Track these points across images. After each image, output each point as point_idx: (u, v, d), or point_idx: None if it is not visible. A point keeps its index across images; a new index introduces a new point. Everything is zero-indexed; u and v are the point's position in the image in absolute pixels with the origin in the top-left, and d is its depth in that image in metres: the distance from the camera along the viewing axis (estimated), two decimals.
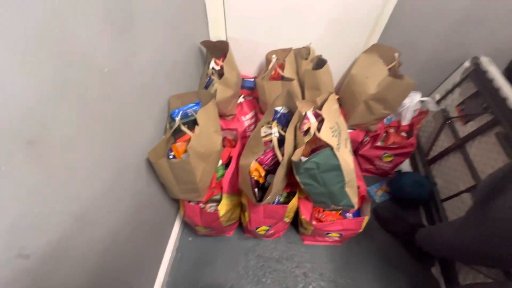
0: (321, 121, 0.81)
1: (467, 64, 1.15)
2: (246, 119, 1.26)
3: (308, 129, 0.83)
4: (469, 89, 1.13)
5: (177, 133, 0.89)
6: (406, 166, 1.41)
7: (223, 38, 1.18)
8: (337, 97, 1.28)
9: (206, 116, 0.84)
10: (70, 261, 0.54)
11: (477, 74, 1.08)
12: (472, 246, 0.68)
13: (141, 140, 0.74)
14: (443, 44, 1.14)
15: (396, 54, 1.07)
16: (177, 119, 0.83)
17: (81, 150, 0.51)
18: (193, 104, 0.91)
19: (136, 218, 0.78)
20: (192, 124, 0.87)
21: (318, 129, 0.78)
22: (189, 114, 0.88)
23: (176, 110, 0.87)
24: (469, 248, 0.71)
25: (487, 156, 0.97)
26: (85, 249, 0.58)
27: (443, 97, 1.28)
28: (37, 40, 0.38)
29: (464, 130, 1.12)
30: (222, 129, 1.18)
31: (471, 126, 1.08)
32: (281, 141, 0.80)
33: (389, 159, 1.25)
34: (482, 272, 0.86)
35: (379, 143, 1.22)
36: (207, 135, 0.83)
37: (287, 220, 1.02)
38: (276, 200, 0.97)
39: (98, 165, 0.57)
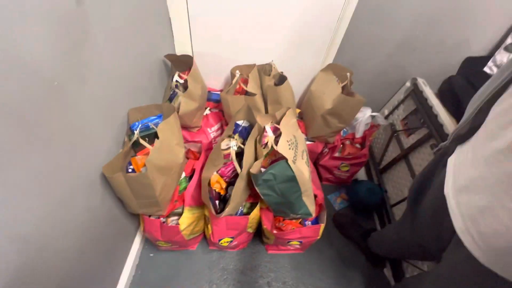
0: (279, 134, 0.87)
1: (408, 84, 1.31)
2: (212, 131, 1.27)
3: (268, 142, 0.88)
4: (410, 106, 1.29)
5: (137, 146, 0.87)
6: (362, 175, 1.53)
7: (189, 52, 1.21)
8: (298, 111, 1.37)
9: (167, 129, 0.84)
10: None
11: (416, 93, 1.24)
12: (408, 241, 0.77)
13: (98, 155, 0.72)
14: (387, 66, 1.29)
15: (348, 74, 1.19)
16: (136, 132, 0.82)
17: (25, 167, 0.48)
18: (155, 117, 0.91)
19: (90, 236, 0.74)
20: (154, 137, 0.86)
21: (276, 142, 0.83)
22: (150, 127, 0.88)
23: (136, 123, 0.86)
24: (406, 244, 0.79)
25: (424, 165, 1.10)
26: (33, 272, 0.54)
27: (391, 112, 1.43)
28: None
29: (407, 142, 1.26)
30: (187, 141, 1.18)
31: (413, 139, 1.22)
32: (241, 153, 0.83)
33: (346, 168, 1.35)
34: (423, 269, 0.97)
35: (336, 154, 1.32)
36: (168, 148, 0.84)
37: (251, 230, 1.04)
38: (239, 211, 0.99)
39: (46, 182, 0.54)
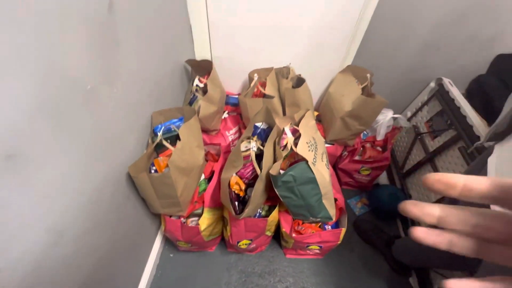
0: (298, 136, 0.86)
1: (432, 84, 1.26)
2: (230, 134, 1.29)
3: (287, 144, 0.87)
4: (435, 107, 1.23)
5: (160, 148, 0.90)
6: (383, 179, 1.48)
7: (208, 57, 1.24)
8: (316, 113, 1.36)
9: (188, 131, 0.86)
10: (43, 277, 0.53)
11: (441, 93, 1.19)
12: (439, 249, 0.73)
13: (123, 155, 0.75)
14: (410, 66, 1.25)
15: (368, 75, 1.16)
16: (159, 134, 0.85)
17: (60, 165, 0.52)
18: (176, 120, 0.94)
19: (114, 234, 0.77)
20: (175, 139, 0.89)
21: (295, 144, 0.83)
22: (172, 129, 0.91)
23: (159, 126, 0.90)
24: (436, 252, 0.75)
25: (453, 168, 1.05)
26: (60, 264, 0.57)
27: (414, 114, 1.38)
28: (17, 55, 0.40)
29: (433, 144, 1.20)
30: (206, 144, 1.21)
31: (438, 141, 1.16)
32: (260, 155, 0.84)
33: (367, 172, 1.31)
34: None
35: (356, 157, 1.28)
36: (189, 150, 0.86)
37: (269, 233, 1.03)
38: (258, 214, 0.99)
39: (77, 180, 0.57)
